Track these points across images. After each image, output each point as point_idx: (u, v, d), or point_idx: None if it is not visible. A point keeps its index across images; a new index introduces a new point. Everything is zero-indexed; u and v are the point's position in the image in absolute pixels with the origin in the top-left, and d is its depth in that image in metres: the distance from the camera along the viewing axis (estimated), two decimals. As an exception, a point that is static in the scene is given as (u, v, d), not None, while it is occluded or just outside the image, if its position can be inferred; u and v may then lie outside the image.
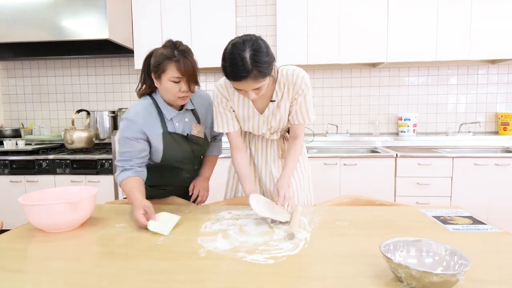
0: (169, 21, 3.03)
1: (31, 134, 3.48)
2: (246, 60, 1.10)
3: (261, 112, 1.42)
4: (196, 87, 1.37)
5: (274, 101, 1.38)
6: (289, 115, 1.44)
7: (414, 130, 3.16)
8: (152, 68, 1.34)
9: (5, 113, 3.66)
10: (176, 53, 1.29)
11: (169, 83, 1.30)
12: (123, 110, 3.33)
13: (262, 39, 1.16)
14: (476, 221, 1.18)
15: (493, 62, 3.17)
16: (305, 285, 0.79)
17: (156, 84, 1.35)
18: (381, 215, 1.29)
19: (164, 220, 1.18)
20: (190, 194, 1.62)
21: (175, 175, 1.54)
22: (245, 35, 1.17)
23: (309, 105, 1.39)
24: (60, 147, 3.23)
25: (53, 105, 3.62)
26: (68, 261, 0.94)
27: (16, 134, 3.39)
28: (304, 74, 1.35)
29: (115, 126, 3.33)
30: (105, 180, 2.83)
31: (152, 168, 1.46)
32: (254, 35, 1.16)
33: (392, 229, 1.15)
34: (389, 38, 2.90)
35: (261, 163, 1.59)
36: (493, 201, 2.62)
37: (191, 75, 1.31)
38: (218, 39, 3.01)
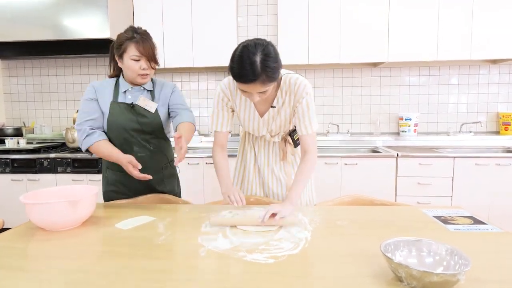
0: (170, 21, 3.03)
1: (33, 133, 3.49)
2: (256, 64, 1.11)
3: (262, 115, 1.44)
4: (163, 80, 1.61)
5: (275, 107, 1.40)
6: (291, 122, 1.45)
7: (415, 130, 3.15)
8: (115, 50, 1.50)
9: (6, 112, 3.67)
10: (135, 35, 1.46)
11: (130, 62, 1.46)
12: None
13: (272, 45, 1.18)
14: (477, 221, 1.18)
15: (494, 62, 3.16)
16: (305, 285, 0.80)
17: (119, 64, 1.51)
18: (382, 215, 1.29)
19: (136, 220, 1.24)
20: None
21: (128, 151, 1.52)
22: (256, 39, 1.17)
23: (311, 114, 1.38)
24: (61, 146, 3.23)
25: (55, 104, 3.62)
26: (68, 260, 0.94)
27: (18, 132, 3.40)
28: (306, 83, 1.36)
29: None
30: (106, 179, 2.83)
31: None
32: (265, 40, 1.18)
33: (392, 229, 1.15)
34: (390, 38, 2.89)
35: (264, 163, 1.60)
36: (494, 201, 2.62)
37: (150, 54, 1.47)
38: (219, 38, 3.03)
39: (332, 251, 0.98)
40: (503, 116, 3.13)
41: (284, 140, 1.59)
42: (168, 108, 1.63)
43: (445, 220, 1.20)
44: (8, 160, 2.85)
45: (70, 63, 3.55)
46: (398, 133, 3.28)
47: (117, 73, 1.60)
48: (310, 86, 1.38)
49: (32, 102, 3.64)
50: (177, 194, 1.75)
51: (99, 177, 2.81)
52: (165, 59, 3.05)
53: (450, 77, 3.27)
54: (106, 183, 1.66)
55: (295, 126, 1.53)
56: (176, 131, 1.58)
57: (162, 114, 1.59)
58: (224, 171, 1.43)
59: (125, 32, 1.50)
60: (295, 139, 1.55)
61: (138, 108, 1.54)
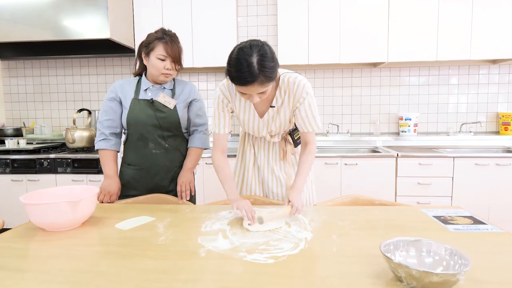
0: (170, 21, 3.03)
1: (33, 133, 3.49)
2: (253, 65, 1.10)
3: (261, 116, 1.44)
4: (189, 81, 1.70)
5: (274, 106, 1.40)
6: (291, 122, 1.45)
7: (415, 130, 3.15)
8: (143, 48, 1.58)
9: (6, 112, 3.67)
10: (165, 36, 1.54)
11: (156, 60, 1.52)
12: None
13: (267, 45, 1.17)
14: (476, 221, 1.18)
15: (494, 62, 3.17)
16: (305, 285, 0.80)
17: (145, 61, 1.58)
18: (382, 215, 1.29)
19: (136, 220, 1.23)
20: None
21: (143, 147, 1.63)
22: (251, 40, 1.16)
23: (314, 113, 1.38)
24: (61, 146, 3.23)
25: (55, 105, 3.62)
26: (68, 260, 0.94)
27: (18, 133, 3.40)
28: (306, 83, 1.35)
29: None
30: (106, 180, 2.83)
31: (129, 142, 1.65)
32: (260, 40, 1.17)
33: (392, 229, 1.15)
34: (390, 38, 2.90)
35: (264, 163, 1.60)
36: (494, 201, 2.62)
37: (176, 56, 1.54)
38: (219, 39, 3.03)
39: (332, 251, 0.98)
40: (503, 116, 3.13)
41: (284, 139, 1.59)
42: (188, 113, 1.71)
43: (445, 220, 1.20)
44: (8, 161, 2.86)
45: (70, 64, 3.55)
46: (398, 133, 3.28)
47: (140, 71, 1.67)
48: (310, 85, 1.37)
49: (32, 103, 3.64)
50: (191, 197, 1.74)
51: (99, 177, 2.82)
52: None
53: (450, 77, 3.27)
54: (120, 177, 1.69)
55: (295, 125, 1.53)
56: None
57: (181, 112, 1.65)
58: (228, 176, 1.41)
59: (155, 32, 1.57)
60: (295, 138, 1.56)
61: (157, 104, 1.60)
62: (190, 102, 1.69)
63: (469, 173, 2.62)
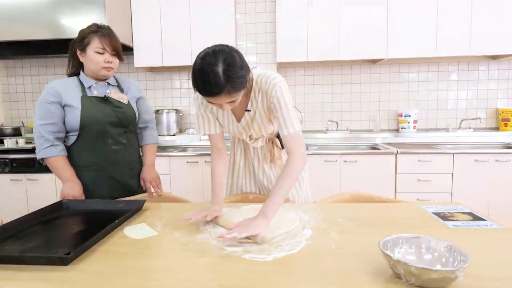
0: (168, 19, 3.02)
1: (31, 132, 3.48)
2: (218, 76, 1.00)
3: (239, 120, 1.38)
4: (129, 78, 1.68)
5: (250, 110, 1.33)
6: (274, 124, 1.40)
7: (415, 126, 3.15)
8: (77, 45, 1.51)
9: (5, 112, 3.66)
10: (99, 29, 1.49)
11: (94, 54, 1.47)
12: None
13: (236, 51, 1.07)
14: (476, 218, 1.18)
15: (493, 58, 3.16)
16: (304, 282, 0.79)
17: (81, 58, 1.52)
18: (381, 211, 1.29)
19: (141, 229, 1.17)
20: (144, 189, 1.71)
21: (102, 145, 1.55)
22: (215, 46, 1.06)
23: (285, 113, 1.22)
24: (60, 146, 3.23)
25: (53, 104, 3.61)
26: (67, 259, 0.94)
27: (17, 132, 3.39)
28: (278, 80, 1.23)
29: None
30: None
31: (81, 143, 1.54)
32: (226, 45, 1.07)
33: (392, 225, 1.14)
34: (389, 34, 2.88)
35: (255, 161, 1.58)
36: (493, 197, 2.62)
37: (114, 47, 1.50)
38: (218, 36, 3.01)
39: (331, 248, 0.98)
40: (502, 112, 3.13)
41: (272, 142, 1.54)
42: (137, 112, 1.69)
43: (444, 217, 1.20)
44: (7, 160, 2.85)
45: (68, 62, 3.54)
46: (397, 130, 3.27)
47: (75, 71, 1.59)
48: (284, 82, 1.25)
49: (30, 102, 3.63)
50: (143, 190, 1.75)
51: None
52: (163, 57, 3.04)
53: (450, 73, 3.27)
54: None
55: None
56: (142, 150, 1.76)
57: (134, 107, 1.65)
58: (216, 180, 1.34)
59: (88, 27, 1.51)
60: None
61: (112, 101, 1.56)
62: (139, 99, 1.70)
63: (469, 169, 2.62)
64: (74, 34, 2.85)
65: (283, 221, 1.16)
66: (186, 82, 3.49)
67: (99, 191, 1.58)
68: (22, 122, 3.62)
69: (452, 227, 1.10)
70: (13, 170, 2.86)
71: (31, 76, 3.59)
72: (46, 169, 2.81)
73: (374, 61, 3.24)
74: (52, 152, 1.49)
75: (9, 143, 2.96)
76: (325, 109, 3.40)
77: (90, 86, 1.55)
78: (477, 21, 2.81)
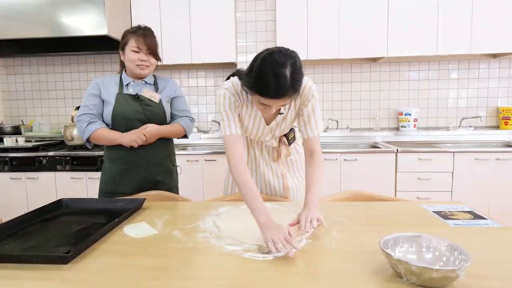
0: (168, 16, 3.01)
1: (31, 131, 3.48)
2: (287, 78, 1.01)
3: (268, 122, 1.40)
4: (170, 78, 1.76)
5: (283, 113, 1.35)
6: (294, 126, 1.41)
7: (415, 125, 3.14)
8: (120, 45, 1.61)
9: (5, 110, 3.66)
10: (138, 30, 1.58)
11: (130, 53, 1.57)
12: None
13: (298, 56, 1.07)
14: (476, 216, 1.18)
15: (494, 56, 3.15)
16: (304, 281, 0.79)
17: (122, 57, 1.63)
18: (382, 210, 1.29)
19: (141, 228, 1.17)
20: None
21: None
22: (281, 49, 1.05)
23: (317, 117, 1.33)
24: (60, 144, 3.22)
25: (53, 102, 3.61)
26: (67, 258, 0.94)
27: (16, 131, 3.39)
28: (312, 85, 1.31)
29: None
30: (106, 177, 2.82)
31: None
32: (288, 49, 1.07)
33: (392, 224, 1.14)
34: (389, 33, 2.88)
35: (261, 159, 1.58)
36: (494, 196, 2.61)
37: (149, 47, 1.58)
38: (218, 34, 3.01)
39: (331, 247, 0.97)
40: (503, 110, 3.12)
41: (280, 141, 1.55)
42: (171, 110, 1.74)
43: (445, 215, 1.20)
44: (6, 159, 2.85)
45: (68, 61, 3.53)
46: (397, 128, 3.27)
47: (121, 69, 1.70)
48: (315, 87, 1.32)
49: (30, 100, 3.63)
50: (175, 188, 1.81)
51: (98, 174, 2.79)
52: (163, 55, 3.02)
53: (450, 72, 3.26)
54: (105, 175, 1.69)
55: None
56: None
57: (165, 106, 1.68)
58: (255, 194, 1.11)
59: (130, 28, 1.62)
60: (289, 138, 1.52)
61: (143, 99, 1.63)
62: (174, 98, 1.74)
63: (469, 168, 2.61)
64: (74, 33, 2.85)
65: (283, 222, 1.15)
66: (186, 80, 3.49)
67: (125, 184, 1.65)
68: (21, 120, 3.62)
69: (453, 226, 1.10)
70: (13, 169, 2.86)
71: (30, 74, 3.59)
72: (45, 168, 2.83)
73: (374, 60, 3.23)
74: (91, 127, 1.57)
75: (8, 141, 2.96)
76: (325, 108, 3.40)
77: (127, 84, 1.64)
78: (477, 20, 2.80)
